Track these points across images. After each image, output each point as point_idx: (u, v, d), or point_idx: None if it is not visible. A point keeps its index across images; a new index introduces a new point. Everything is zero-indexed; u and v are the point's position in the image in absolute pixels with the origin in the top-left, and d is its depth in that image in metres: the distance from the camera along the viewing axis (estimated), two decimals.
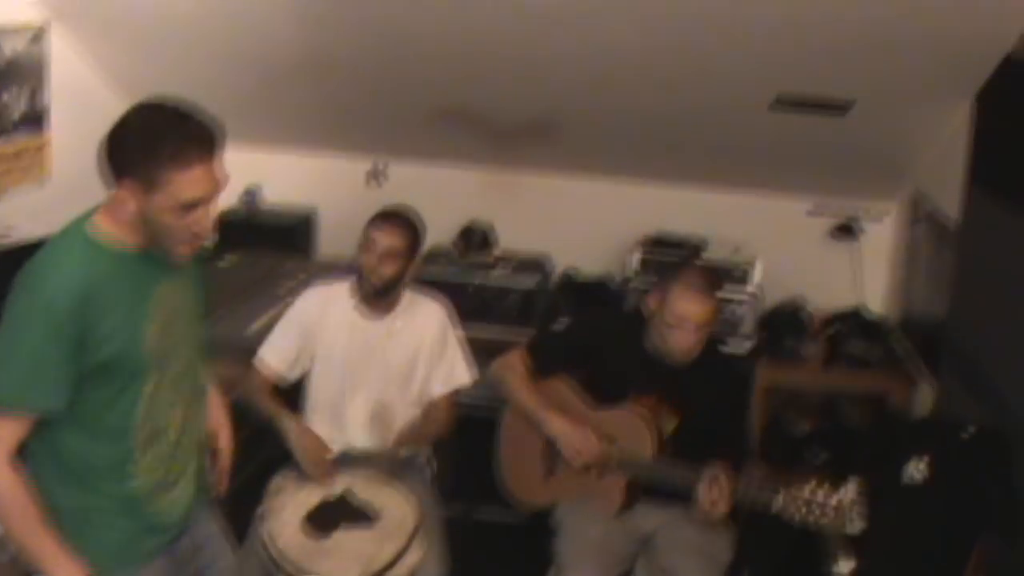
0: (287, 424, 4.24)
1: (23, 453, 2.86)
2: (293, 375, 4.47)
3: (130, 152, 2.73)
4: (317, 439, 4.23)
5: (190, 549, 3.28)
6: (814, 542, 4.27)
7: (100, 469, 2.96)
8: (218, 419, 3.56)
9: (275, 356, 4.42)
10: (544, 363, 4.47)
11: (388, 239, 4.27)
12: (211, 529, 3.43)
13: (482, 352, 4.83)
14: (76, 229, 2.86)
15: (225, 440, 3.54)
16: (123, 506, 3.02)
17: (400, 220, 4.34)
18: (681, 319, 4.09)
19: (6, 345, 2.76)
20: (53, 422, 2.85)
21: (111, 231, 2.85)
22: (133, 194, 2.74)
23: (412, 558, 3.92)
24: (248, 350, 4.47)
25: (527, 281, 5.82)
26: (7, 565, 3.03)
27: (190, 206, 2.77)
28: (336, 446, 4.37)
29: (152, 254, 2.90)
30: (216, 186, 2.82)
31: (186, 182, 2.73)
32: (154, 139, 2.71)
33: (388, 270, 4.29)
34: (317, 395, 4.45)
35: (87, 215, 2.88)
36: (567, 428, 4.26)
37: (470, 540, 5.09)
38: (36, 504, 2.83)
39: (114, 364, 2.84)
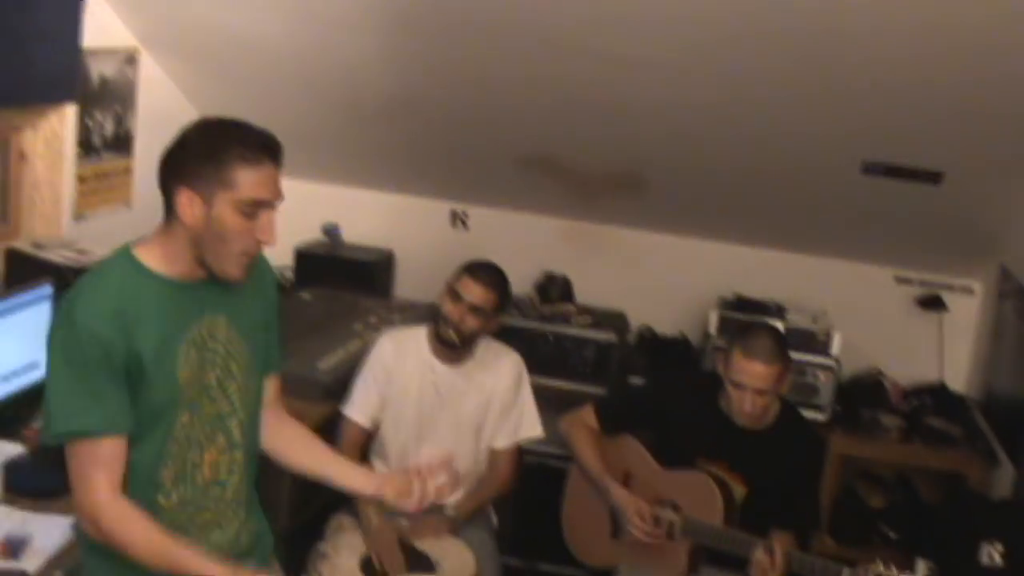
0: (367, 519, 4.19)
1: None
2: (376, 424, 4.42)
3: (194, 158, 2.66)
4: (393, 538, 4.15)
5: None
6: None
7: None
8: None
9: (361, 412, 4.36)
10: (613, 422, 4.42)
11: (480, 294, 4.23)
12: None
13: (555, 403, 4.80)
14: (118, 254, 2.79)
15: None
16: None
17: (494, 277, 4.31)
18: (741, 382, 4.01)
19: (54, 379, 2.69)
20: None
21: (153, 260, 2.75)
22: (192, 204, 2.66)
23: None
24: (317, 386, 4.45)
25: (605, 334, 5.74)
26: None
27: (257, 206, 2.68)
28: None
29: (195, 286, 2.79)
30: (280, 194, 2.73)
31: (255, 180, 2.66)
32: (222, 141, 2.67)
33: (472, 324, 4.24)
34: (387, 441, 4.40)
35: (129, 244, 2.80)
36: (629, 503, 4.21)
37: None
38: (153, 525, 2.72)
39: (148, 388, 2.71)
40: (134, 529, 2.70)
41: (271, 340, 3.09)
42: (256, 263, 2.82)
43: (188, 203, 2.66)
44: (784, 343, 4.10)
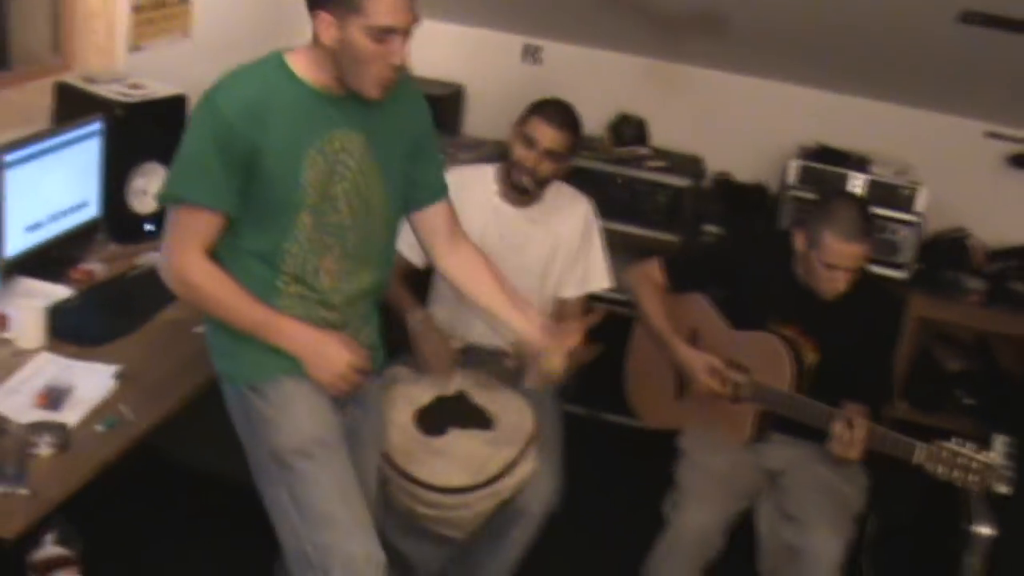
0: (414, 322, 4.10)
1: None
2: (425, 263, 4.27)
3: None
4: (442, 343, 4.09)
5: (351, 398, 3.24)
6: (953, 495, 4.01)
7: (252, 287, 3.02)
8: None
9: (410, 248, 4.17)
10: (681, 281, 4.27)
11: (554, 137, 4.06)
12: (372, 388, 3.40)
13: (626, 249, 4.71)
14: (269, 55, 2.97)
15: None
16: None
17: (566, 117, 4.12)
18: (833, 265, 3.83)
19: (181, 147, 2.92)
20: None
21: (300, 67, 2.94)
22: (329, 25, 2.83)
23: (524, 469, 3.78)
24: None
25: (680, 179, 5.58)
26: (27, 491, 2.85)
27: (386, 32, 2.82)
28: (458, 341, 4.21)
29: (336, 99, 2.97)
30: (411, 19, 2.86)
31: (384, 6, 2.79)
32: None
33: (546, 169, 4.09)
34: (442, 283, 4.25)
35: (281, 50, 2.99)
36: (696, 359, 4.08)
37: (594, 440, 4.99)
38: (236, 286, 2.99)
39: (269, 183, 2.92)
40: (221, 283, 2.97)
41: (428, 168, 3.30)
42: (400, 86, 2.99)
43: (324, 26, 2.84)
44: (868, 212, 3.92)
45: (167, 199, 2.96)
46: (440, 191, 3.36)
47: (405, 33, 2.85)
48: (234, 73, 2.92)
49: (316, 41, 2.89)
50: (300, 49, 2.95)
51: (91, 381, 3.19)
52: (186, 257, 2.94)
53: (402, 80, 2.98)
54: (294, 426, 3.06)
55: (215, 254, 2.98)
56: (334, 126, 2.97)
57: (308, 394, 3.09)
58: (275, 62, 2.94)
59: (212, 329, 3.14)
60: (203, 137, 2.86)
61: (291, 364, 3.06)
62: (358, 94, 2.93)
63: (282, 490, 3.07)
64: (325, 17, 2.82)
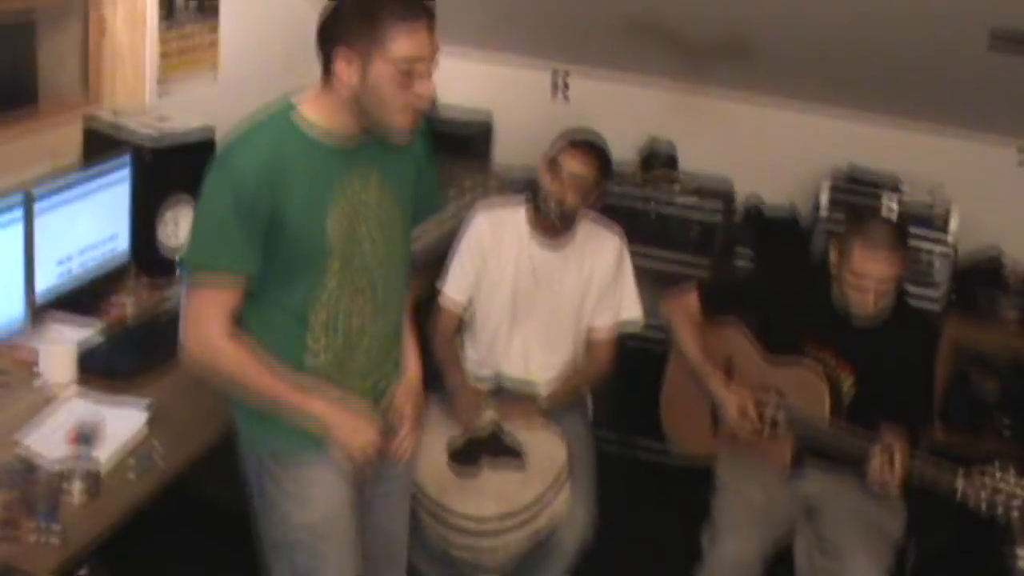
0: (453, 385, 4.16)
1: None
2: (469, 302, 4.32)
3: (349, 19, 2.74)
4: (474, 405, 4.09)
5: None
6: (993, 522, 3.97)
7: (277, 351, 2.94)
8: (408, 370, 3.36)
9: (458, 291, 4.25)
10: (717, 306, 4.24)
11: (580, 167, 4.05)
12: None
13: (658, 277, 4.73)
14: (278, 110, 2.88)
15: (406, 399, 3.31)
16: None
17: (594, 149, 4.12)
18: (861, 276, 3.79)
19: (199, 214, 2.88)
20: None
21: (312, 117, 2.86)
22: (350, 64, 2.75)
23: (556, 504, 3.78)
24: None
25: (711, 210, 5.53)
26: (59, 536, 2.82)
27: (411, 63, 2.74)
28: (490, 378, 4.21)
29: (350, 144, 2.89)
30: (436, 53, 2.79)
31: (410, 40, 2.72)
32: (375, 1, 2.73)
33: (573, 199, 4.07)
34: (477, 322, 4.28)
35: (289, 98, 2.89)
36: (731, 399, 4.04)
37: (627, 477, 4.94)
38: (262, 365, 2.90)
39: (296, 240, 2.85)
40: (243, 364, 2.88)
41: (428, 185, 3.27)
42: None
43: (345, 65, 2.75)
44: (904, 231, 3.89)
45: (190, 267, 2.88)
46: (435, 207, 3.44)
47: (429, 64, 2.79)
48: (245, 134, 2.84)
49: (329, 85, 2.82)
50: (310, 94, 2.88)
51: (122, 420, 3.21)
52: (207, 332, 2.85)
53: None
54: (305, 516, 3.05)
55: (239, 314, 2.92)
56: (351, 167, 2.92)
57: (324, 480, 3.06)
58: (284, 115, 2.85)
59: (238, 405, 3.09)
60: (223, 202, 2.77)
61: (311, 442, 3.01)
62: (386, 132, 2.86)
63: (285, 567, 3.11)
64: (345, 55, 2.74)
